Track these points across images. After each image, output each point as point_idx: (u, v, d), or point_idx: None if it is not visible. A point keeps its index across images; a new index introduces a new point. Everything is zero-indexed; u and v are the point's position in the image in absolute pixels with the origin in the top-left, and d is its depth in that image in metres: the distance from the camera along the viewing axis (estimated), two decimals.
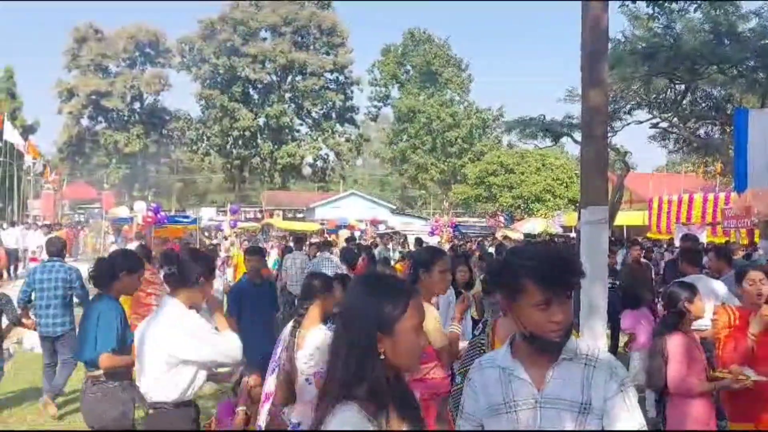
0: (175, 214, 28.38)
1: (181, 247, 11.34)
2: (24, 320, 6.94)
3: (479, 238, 27.52)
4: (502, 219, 38.56)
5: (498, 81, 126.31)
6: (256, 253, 7.31)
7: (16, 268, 19.92)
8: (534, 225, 32.92)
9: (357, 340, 1.82)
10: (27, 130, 45.26)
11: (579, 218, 4.89)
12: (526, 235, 28.42)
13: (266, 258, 10.73)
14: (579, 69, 4.93)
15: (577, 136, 20.77)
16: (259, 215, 46.93)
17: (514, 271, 2.05)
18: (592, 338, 4.42)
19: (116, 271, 4.60)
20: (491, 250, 15.66)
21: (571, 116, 21.46)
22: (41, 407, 7.01)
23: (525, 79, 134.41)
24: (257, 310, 6.47)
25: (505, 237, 24.45)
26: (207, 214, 43.65)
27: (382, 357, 1.82)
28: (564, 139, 23.82)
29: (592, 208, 4.69)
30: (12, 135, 31.25)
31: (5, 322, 6.66)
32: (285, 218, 42.64)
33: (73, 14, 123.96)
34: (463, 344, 4.22)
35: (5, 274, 16.30)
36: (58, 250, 7.49)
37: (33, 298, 7.19)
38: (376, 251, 14.86)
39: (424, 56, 58.51)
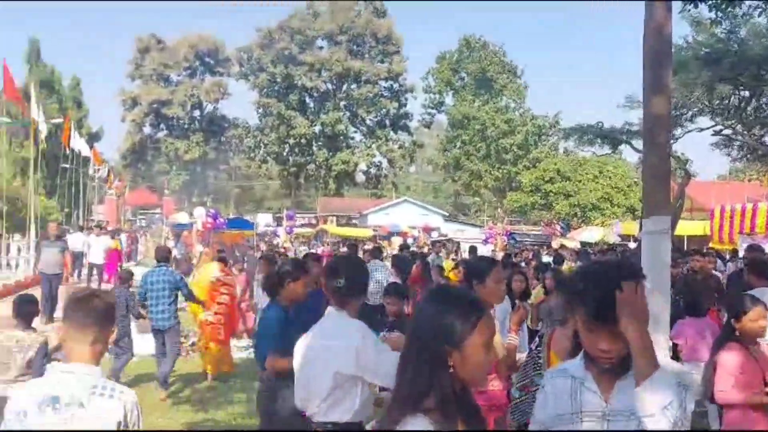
0: (232, 220, 28.84)
1: (334, 257, 11.59)
2: (143, 314, 8.62)
3: (535, 247, 27.16)
4: (558, 227, 37.96)
5: (555, 87, 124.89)
6: (313, 260, 7.27)
7: (80, 271, 20.57)
8: (591, 234, 32.31)
9: (426, 354, 1.85)
10: (92, 138, 46.66)
11: (641, 228, 4.79)
12: (583, 244, 27.92)
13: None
14: (640, 75, 4.83)
15: (636, 143, 20.37)
16: (313, 221, 47.42)
17: (569, 291, 2.14)
18: (656, 350, 4.31)
19: (283, 280, 4.86)
20: (547, 259, 15.44)
21: (631, 123, 21.06)
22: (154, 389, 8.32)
23: (582, 86, 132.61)
24: (313, 318, 6.37)
25: (562, 246, 24.06)
26: (263, 220, 44.38)
27: (451, 370, 1.85)
28: (622, 146, 23.39)
29: (655, 218, 4.59)
30: (78, 142, 32.24)
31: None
32: (339, 224, 42.94)
33: (137, 25, 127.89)
34: (520, 356, 4.17)
35: (71, 277, 16.82)
36: (164, 257, 8.97)
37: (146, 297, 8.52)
38: (429, 259, 14.80)
39: (479, 63, 58.16)
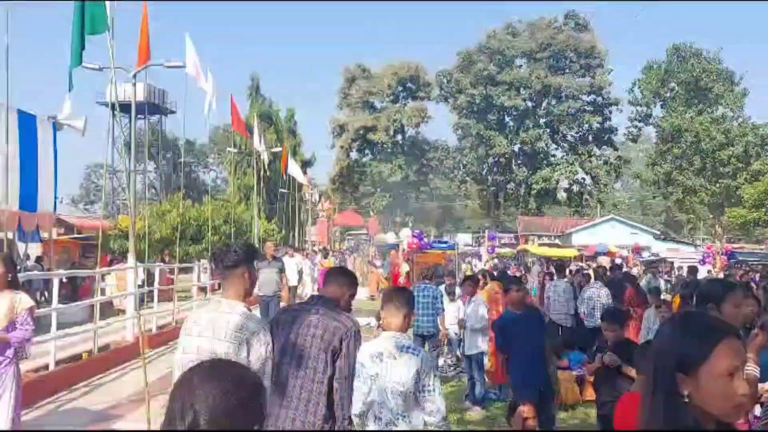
0: (435, 240, 29.54)
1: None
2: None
3: (761, 267, 24.88)
4: None
5: None
6: (516, 282, 7.07)
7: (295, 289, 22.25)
8: None
9: (658, 380, 1.78)
10: (305, 164, 50.03)
11: None
12: None
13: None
14: None
15: None
16: (514, 241, 47.01)
17: None
18: None
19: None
20: None
21: None
22: None
23: None
24: (524, 340, 6.12)
25: None
26: (463, 240, 44.81)
27: (686, 400, 1.73)
28: None
29: None
30: (294, 169, 34.77)
31: None
32: (540, 244, 42.20)
33: (344, 56, 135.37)
34: (762, 386, 3.95)
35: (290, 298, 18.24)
36: (429, 276, 10.63)
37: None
38: (644, 281, 14.14)
39: (691, 72, 54.62)
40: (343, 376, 3.56)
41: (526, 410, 4.45)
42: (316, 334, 3.60)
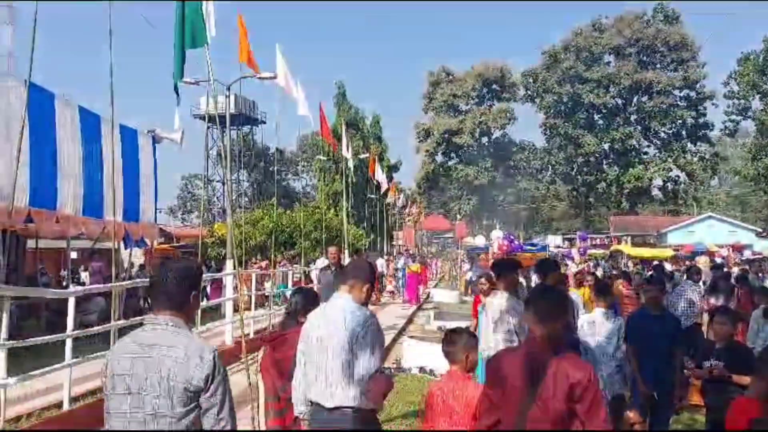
0: (525, 243, 29.15)
1: None
2: None
3: None
4: None
5: None
6: (658, 282, 6.75)
7: (380, 289, 22.80)
8: None
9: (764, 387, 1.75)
10: (391, 170, 50.33)
11: None
12: None
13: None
14: None
15: None
16: (606, 241, 45.77)
17: None
18: None
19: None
20: None
21: None
22: None
23: None
24: (650, 343, 5.89)
25: None
26: (553, 242, 43.98)
27: None
28: None
29: None
30: (379, 175, 35.06)
31: None
32: (634, 244, 40.94)
33: (429, 59, 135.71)
34: None
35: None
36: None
37: None
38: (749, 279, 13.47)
39: None
40: None
41: (632, 416, 4.36)
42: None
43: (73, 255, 15.95)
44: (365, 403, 3.46)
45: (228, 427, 2.58)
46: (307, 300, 4.58)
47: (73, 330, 7.26)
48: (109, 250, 10.99)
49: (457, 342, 3.71)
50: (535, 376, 2.79)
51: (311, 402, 3.58)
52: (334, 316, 3.55)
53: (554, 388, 2.77)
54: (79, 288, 10.16)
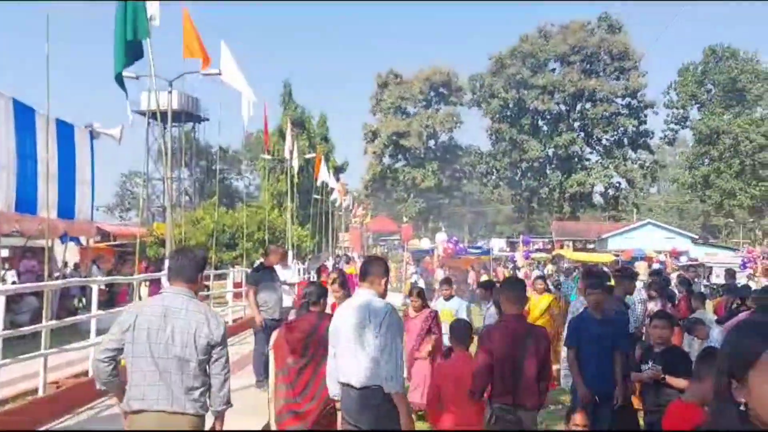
0: (469, 246, 29.34)
1: None
2: None
3: None
4: None
5: None
6: (598, 286, 6.36)
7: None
8: None
9: (716, 384, 1.69)
10: (337, 170, 50.11)
11: None
12: None
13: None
14: None
15: None
16: (548, 245, 46.50)
17: None
18: None
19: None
20: None
21: None
22: None
23: None
24: (591, 345, 5.82)
25: None
26: (497, 245, 44.43)
27: (742, 408, 1.61)
28: None
29: None
30: (325, 175, 34.86)
31: None
32: (575, 249, 41.70)
33: (377, 62, 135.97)
34: None
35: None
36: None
37: None
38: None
39: (728, 73, 53.74)
40: None
41: (578, 419, 4.36)
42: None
43: (5, 253, 15.28)
44: (388, 385, 3.90)
45: (229, 374, 3.61)
46: (318, 293, 5.36)
47: (3, 330, 6.96)
48: (43, 248, 10.55)
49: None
50: (518, 337, 4.58)
51: (342, 384, 4.09)
52: (360, 307, 4.06)
53: (536, 343, 4.60)
54: (10, 287, 9.75)
